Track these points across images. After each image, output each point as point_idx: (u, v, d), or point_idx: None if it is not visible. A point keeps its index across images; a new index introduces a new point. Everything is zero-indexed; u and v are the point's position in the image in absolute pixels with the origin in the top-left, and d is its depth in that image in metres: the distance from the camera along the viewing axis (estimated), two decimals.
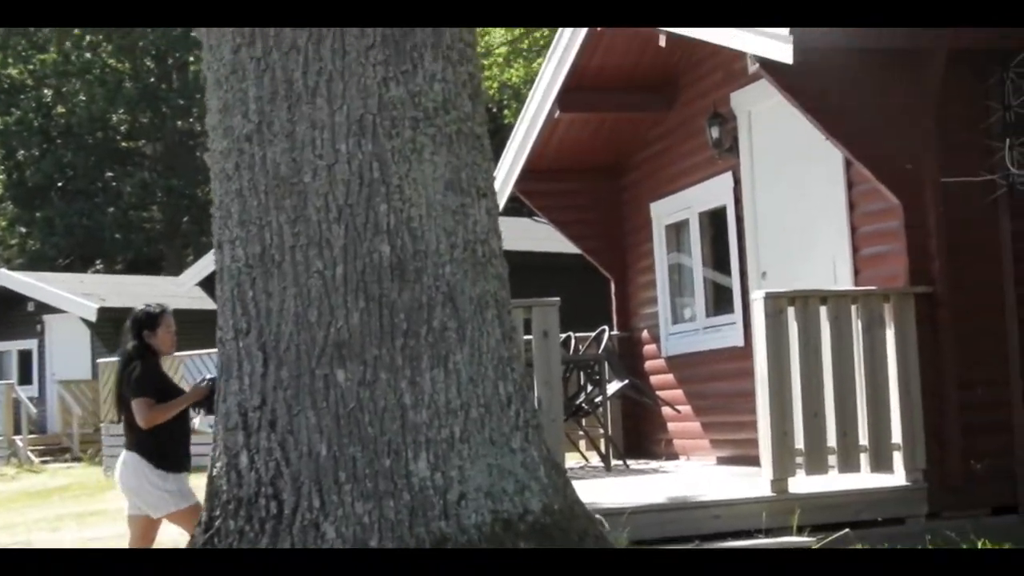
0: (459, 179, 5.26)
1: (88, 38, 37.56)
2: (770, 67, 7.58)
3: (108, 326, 27.13)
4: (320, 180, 5.11)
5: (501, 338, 5.31)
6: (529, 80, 24.44)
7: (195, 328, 26.69)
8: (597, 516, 5.73)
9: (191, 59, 37.49)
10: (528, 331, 7.91)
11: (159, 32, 37.06)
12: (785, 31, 7.19)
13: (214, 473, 5.28)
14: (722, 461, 10.48)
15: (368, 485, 4.98)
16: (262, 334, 5.16)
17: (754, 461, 8.13)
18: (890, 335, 7.72)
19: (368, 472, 4.99)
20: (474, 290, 5.23)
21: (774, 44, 7.35)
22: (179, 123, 39.14)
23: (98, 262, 39.53)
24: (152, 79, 38.91)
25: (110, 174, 39.07)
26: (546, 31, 25.54)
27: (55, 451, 25.64)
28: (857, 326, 7.71)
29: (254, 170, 5.20)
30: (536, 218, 13.18)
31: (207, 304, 23.93)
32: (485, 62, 27.24)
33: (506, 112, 28.32)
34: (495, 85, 28.00)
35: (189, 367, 18.80)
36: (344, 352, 5.05)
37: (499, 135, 22.23)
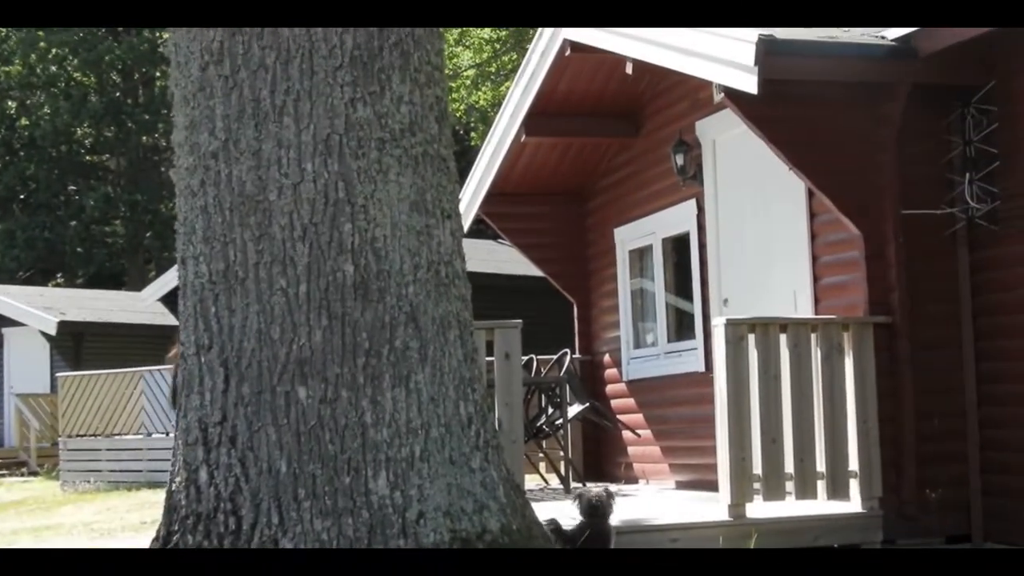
0: (424, 200, 5.30)
1: (54, 51, 37.39)
2: (735, 96, 7.66)
3: (68, 340, 26.99)
4: (285, 198, 5.14)
5: (463, 359, 5.35)
6: (496, 103, 24.54)
7: (157, 343, 26.67)
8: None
9: (157, 74, 37.39)
10: (490, 352, 7.94)
11: (125, 46, 36.96)
12: (750, 62, 7.27)
13: (173, 488, 5.28)
14: (681, 485, 10.54)
15: (327, 502, 5.00)
16: (224, 350, 5.18)
17: (713, 486, 8.19)
18: (849, 364, 7.80)
19: (328, 489, 5.01)
20: (437, 310, 5.27)
21: (739, 74, 7.44)
22: (144, 138, 38.99)
23: (59, 276, 39.29)
24: (118, 93, 38.78)
25: (73, 188, 38.88)
26: (515, 55, 25.66)
27: (12, 465, 25.43)
28: (816, 354, 7.78)
29: (219, 187, 5.22)
30: (501, 240, 13.24)
31: (169, 320, 23.86)
32: (453, 84, 27.33)
33: (473, 134, 28.41)
34: (462, 107, 28.08)
35: (148, 381, 18.72)
36: (306, 370, 5.08)
37: (466, 157, 22.32)
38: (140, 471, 18.45)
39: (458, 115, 28.65)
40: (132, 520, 12.41)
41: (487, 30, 26.50)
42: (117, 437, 19.18)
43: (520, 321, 8.08)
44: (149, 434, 18.66)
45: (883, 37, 7.71)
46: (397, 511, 5.02)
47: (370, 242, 5.15)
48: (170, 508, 5.26)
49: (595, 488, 6.57)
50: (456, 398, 5.28)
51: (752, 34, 7.30)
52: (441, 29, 5.59)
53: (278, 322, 5.11)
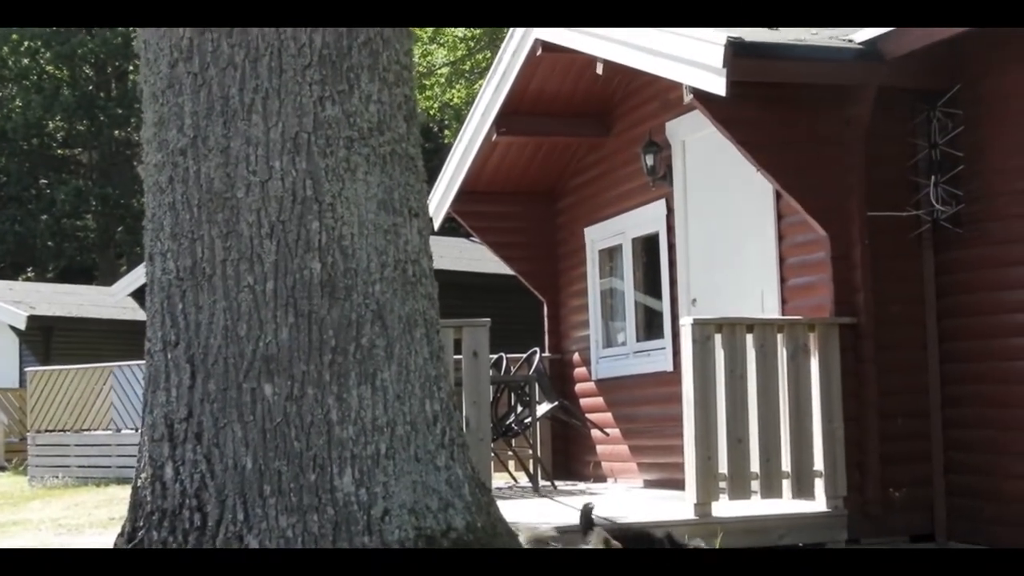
0: (392, 199, 5.32)
1: (27, 44, 37.21)
2: (704, 98, 7.72)
3: (37, 334, 26.86)
4: (253, 196, 5.15)
5: (429, 357, 5.37)
6: (470, 101, 24.54)
7: (127, 338, 26.55)
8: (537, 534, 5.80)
9: (130, 68, 37.26)
10: (459, 351, 7.97)
11: (99, 40, 36.81)
12: (719, 64, 7.33)
13: (138, 484, 5.28)
14: (649, 484, 10.59)
15: (292, 499, 5.01)
16: (190, 347, 5.19)
17: (680, 485, 8.24)
18: (814, 364, 7.86)
19: (293, 486, 5.02)
20: (403, 309, 5.29)
21: (707, 75, 7.49)
22: (116, 132, 38.84)
23: (29, 270, 39.10)
24: (90, 87, 38.62)
25: (44, 181, 38.70)
26: (489, 54, 25.68)
27: None
28: (782, 354, 7.84)
29: (187, 184, 5.23)
30: (473, 238, 13.27)
31: (139, 315, 23.79)
32: (427, 82, 27.32)
33: (447, 132, 28.43)
34: (436, 105, 28.08)
35: (118, 377, 18.68)
36: (272, 367, 5.09)
37: (439, 155, 22.34)
38: (109, 467, 18.41)
39: (432, 113, 28.66)
40: (100, 516, 12.39)
41: (461, 29, 26.51)
42: (86, 432, 19.12)
43: (488, 320, 8.11)
44: (118, 430, 18.62)
45: (850, 40, 7.77)
46: (362, 508, 5.03)
47: (337, 240, 5.17)
48: (135, 504, 5.27)
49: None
50: (422, 396, 5.30)
51: (721, 36, 7.36)
52: (412, 28, 5.61)
53: (245, 319, 5.12)
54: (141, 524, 5.18)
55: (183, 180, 5.24)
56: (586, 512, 6.36)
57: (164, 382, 5.26)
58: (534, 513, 8.24)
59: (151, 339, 5.37)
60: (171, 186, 5.28)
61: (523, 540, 5.84)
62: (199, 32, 5.23)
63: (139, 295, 23.06)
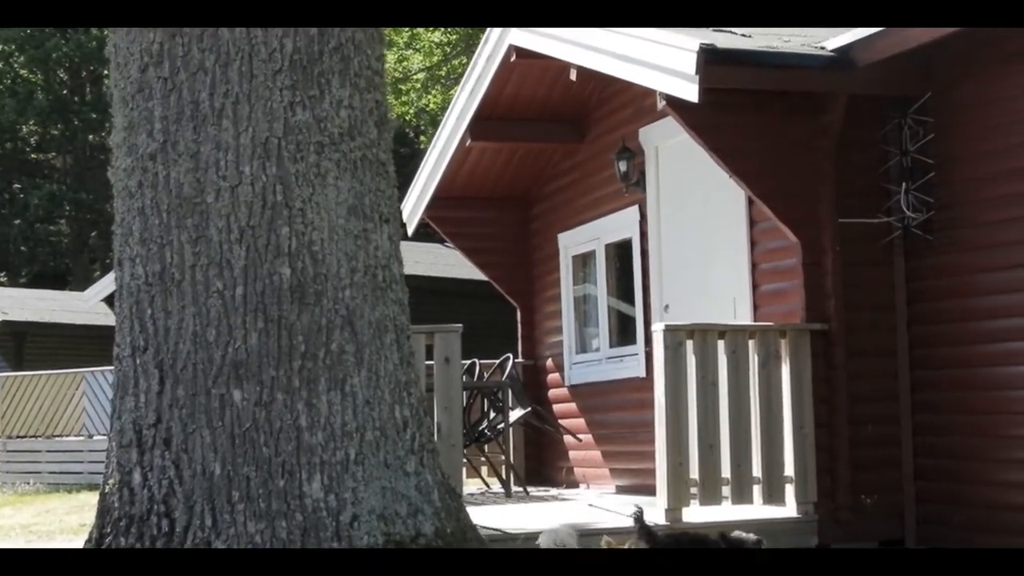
0: (362, 204, 5.33)
1: (0, 47, 37.03)
2: (676, 105, 7.73)
3: (10, 340, 26.73)
4: (223, 201, 5.15)
5: (399, 362, 5.38)
6: (446, 106, 24.52)
7: (99, 344, 26.43)
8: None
9: (105, 72, 37.07)
10: (431, 356, 7.95)
11: (73, 44, 36.68)
12: (692, 71, 7.34)
13: (106, 490, 5.28)
14: (621, 490, 10.59)
15: (261, 505, 5.01)
16: (159, 352, 5.18)
17: (652, 490, 8.24)
18: (785, 370, 7.88)
19: (262, 492, 5.02)
20: (373, 314, 5.30)
21: (680, 82, 7.50)
22: (90, 137, 38.70)
23: (2, 274, 38.90)
24: (65, 91, 38.46)
25: (18, 185, 38.51)
26: (464, 59, 25.69)
27: None
28: (754, 360, 7.86)
29: (157, 189, 5.23)
30: (447, 244, 13.26)
31: (112, 320, 23.60)
32: (403, 87, 27.31)
33: (423, 138, 28.42)
34: (412, 111, 28.07)
35: (90, 383, 18.59)
36: (241, 372, 5.09)
37: (415, 160, 22.32)
38: (81, 473, 18.32)
39: (408, 118, 28.64)
40: (71, 522, 12.32)
41: (437, 34, 26.51)
42: (58, 438, 19.03)
43: (460, 325, 8.10)
44: (90, 435, 18.53)
45: (822, 48, 7.80)
46: (331, 514, 5.04)
47: (307, 246, 5.17)
48: (103, 510, 5.25)
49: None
50: (392, 402, 5.30)
51: (693, 43, 7.37)
52: (385, 35, 5.62)
53: (214, 325, 5.12)
54: (109, 530, 5.17)
55: (152, 185, 5.24)
56: (638, 516, 6.33)
57: (133, 388, 5.25)
58: (506, 518, 8.24)
59: (120, 344, 5.37)
60: (140, 191, 5.27)
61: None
62: (170, 36, 5.23)
63: (112, 300, 22.95)
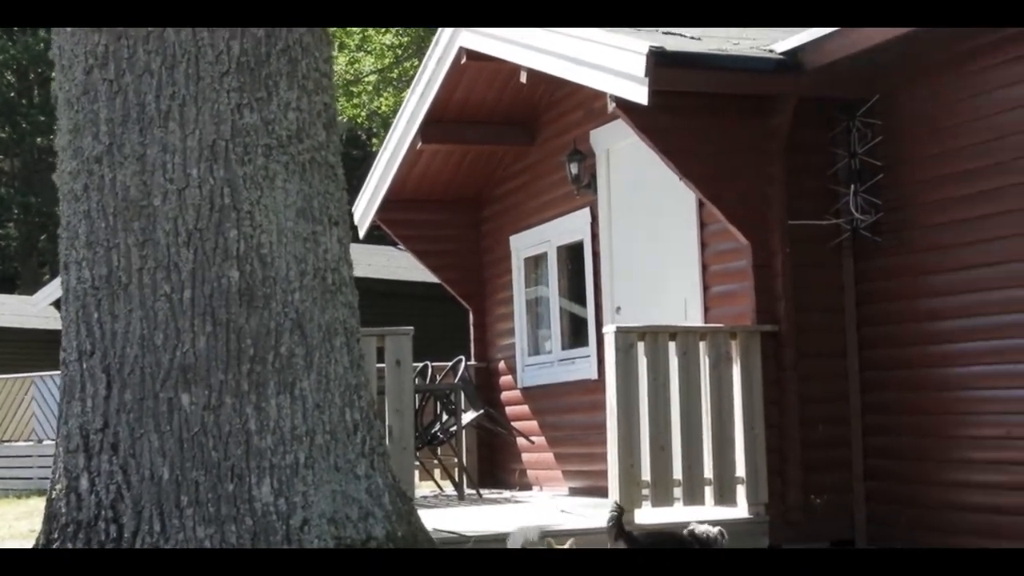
0: (311, 207, 5.30)
1: None
2: (626, 107, 7.75)
3: None
4: (170, 204, 5.11)
5: (349, 365, 5.35)
6: (398, 109, 24.49)
7: (49, 348, 26.21)
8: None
9: (53, 75, 36.70)
10: (383, 359, 7.93)
11: (20, 46, 36.33)
12: (641, 73, 7.36)
13: (53, 496, 5.22)
14: (574, 492, 10.61)
15: (210, 509, 4.98)
16: (106, 356, 5.13)
17: (605, 492, 8.25)
18: (736, 372, 7.91)
19: (211, 496, 4.98)
20: (323, 317, 5.27)
21: (630, 85, 7.52)
22: (39, 140, 38.31)
23: None
24: (12, 94, 38.08)
25: None
26: (416, 62, 25.65)
27: None
28: (705, 362, 7.88)
29: (103, 192, 5.18)
30: (401, 247, 13.23)
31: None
32: (355, 90, 27.24)
33: (375, 140, 28.34)
34: (364, 113, 28.00)
35: (40, 387, 18.42)
36: (189, 376, 5.05)
37: (367, 163, 22.24)
38: (31, 478, 18.14)
39: (360, 121, 28.57)
40: (21, 528, 12.19)
41: (388, 36, 26.46)
42: (7, 444, 18.84)
43: (411, 328, 8.09)
44: (40, 440, 18.37)
45: (771, 51, 7.84)
46: (281, 518, 5.01)
47: (256, 248, 5.14)
48: (50, 516, 5.20)
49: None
50: (342, 405, 5.28)
51: (643, 45, 7.39)
52: (332, 37, 5.60)
53: (162, 328, 5.08)
54: (56, 536, 5.12)
55: (98, 188, 5.19)
56: (615, 516, 6.34)
57: (79, 392, 5.20)
58: (458, 521, 8.22)
59: (66, 349, 5.32)
60: (86, 194, 5.22)
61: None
62: (115, 38, 5.18)
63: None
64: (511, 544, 6.01)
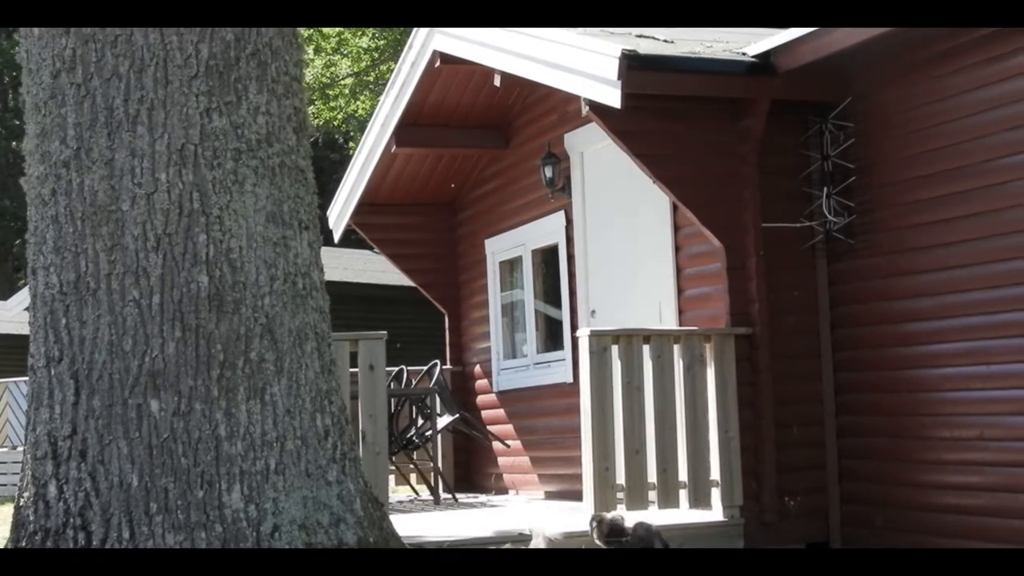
0: (281, 211, 5.27)
1: None
2: (599, 110, 7.74)
3: None
4: (139, 208, 5.08)
5: (320, 371, 5.33)
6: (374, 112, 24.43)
7: (23, 353, 26.06)
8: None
9: None
10: (356, 364, 7.90)
11: None
12: (614, 76, 7.36)
13: (21, 503, 5.18)
14: (550, 496, 10.60)
15: (180, 516, 4.94)
16: (74, 362, 5.09)
17: (580, 496, 8.24)
18: (711, 374, 7.91)
19: (180, 503, 4.95)
20: (293, 322, 5.24)
21: (603, 88, 7.52)
22: (12, 143, 38.12)
23: None
24: None
25: None
26: (392, 65, 25.61)
27: None
28: (679, 365, 7.88)
29: (71, 196, 5.14)
30: (376, 250, 13.20)
31: None
32: (331, 93, 27.19)
33: (351, 144, 28.28)
34: (340, 117, 27.95)
35: (13, 392, 18.31)
36: (159, 382, 5.02)
37: (344, 166, 22.19)
38: (4, 484, 18.02)
39: (336, 124, 28.52)
40: None
41: (365, 39, 26.41)
42: None
43: (384, 332, 8.06)
44: (15, 447, 18.24)
45: (743, 54, 7.85)
46: (251, 524, 4.98)
47: (225, 253, 5.11)
48: (18, 524, 5.16)
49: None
50: (313, 410, 5.25)
51: (615, 48, 7.39)
52: (307, 42, 5.57)
53: (130, 334, 5.04)
54: (24, 544, 5.08)
55: (66, 193, 5.15)
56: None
57: (47, 399, 5.16)
58: (433, 526, 8.20)
59: (34, 355, 5.28)
60: (54, 199, 5.19)
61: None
62: (82, 42, 5.14)
63: None
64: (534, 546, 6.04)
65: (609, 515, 6.33)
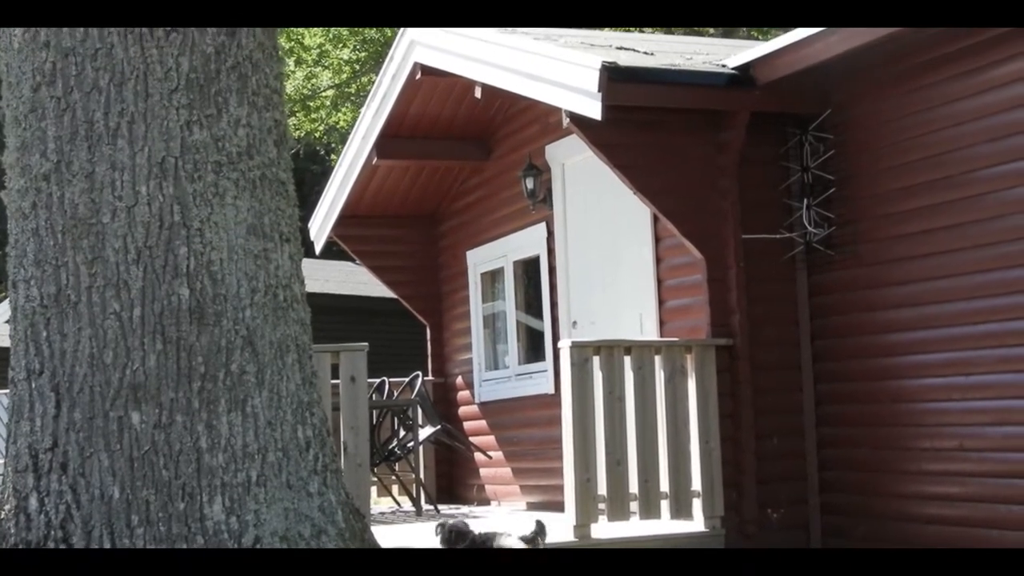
0: (262, 224, 5.28)
1: None
2: (580, 122, 7.77)
3: None
4: (119, 221, 5.07)
5: (301, 382, 5.33)
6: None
7: (6, 366, 25.94)
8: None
9: None
10: (337, 376, 7.91)
11: None
12: (594, 88, 7.39)
13: (1, 516, 5.16)
14: (532, 507, 10.60)
15: (161, 529, 4.94)
16: (55, 375, 5.09)
17: (562, 507, 8.26)
18: (691, 385, 7.93)
19: (162, 516, 4.95)
20: (274, 334, 5.25)
21: (583, 99, 7.55)
22: None
23: None
24: None
25: None
26: (374, 76, 25.62)
27: None
28: (660, 376, 7.90)
29: (51, 209, 5.14)
30: (358, 262, 13.21)
31: None
32: (312, 104, 27.20)
33: (332, 156, 28.28)
34: (322, 128, 27.96)
35: None
36: (140, 394, 5.01)
37: (326, 178, 22.19)
38: None
39: (318, 136, 28.52)
40: None
41: (346, 51, 26.43)
42: None
43: (366, 344, 8.07)
44: None
45: (723, 65, 7.90)
46: (233, 537, 4.97)
47: (206, 266, 5.11)
48: None
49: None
50: (294, 422, 5.25)
51: (596, 61, 7.43)
52: (286, 54, 5.58)
53: (111, 346, 5.04)
54: None
55: (47, 206, 5.15)
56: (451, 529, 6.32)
57: (28, 411, 5.16)
58: (415, 537, 8.20)
59: (15, 368, 5.27)
60: (34, 212, 5.18)
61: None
62: (62, 56, 5.15)
63: None
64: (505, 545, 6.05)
65: (451, 521, 6.38)
